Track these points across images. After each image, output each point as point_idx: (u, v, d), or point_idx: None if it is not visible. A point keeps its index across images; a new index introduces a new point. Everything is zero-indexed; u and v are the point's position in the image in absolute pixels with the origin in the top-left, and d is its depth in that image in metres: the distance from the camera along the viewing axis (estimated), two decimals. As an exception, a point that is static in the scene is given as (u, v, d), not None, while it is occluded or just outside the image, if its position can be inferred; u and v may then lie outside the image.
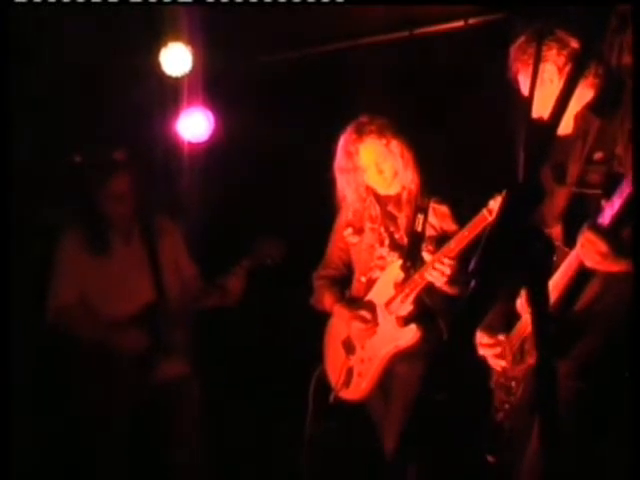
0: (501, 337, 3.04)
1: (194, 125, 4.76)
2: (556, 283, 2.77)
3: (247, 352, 4.80)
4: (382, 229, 3.88)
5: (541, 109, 2.67)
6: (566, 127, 2.84)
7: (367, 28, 4.60)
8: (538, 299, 1.57)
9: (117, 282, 3.97)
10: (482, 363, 3.14)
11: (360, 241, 3.94)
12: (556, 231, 2.83)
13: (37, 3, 3.76)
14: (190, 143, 4.80)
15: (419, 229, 3.77)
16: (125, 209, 3.99)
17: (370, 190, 3.88)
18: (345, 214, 3.98)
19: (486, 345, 3.07)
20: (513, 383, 3.03)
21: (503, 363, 3.06)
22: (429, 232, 3.76)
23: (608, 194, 2.64)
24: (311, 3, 3.87)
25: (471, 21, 4.34)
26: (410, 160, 3.78)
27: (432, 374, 3.66)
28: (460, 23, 4.37)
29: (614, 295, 2.71)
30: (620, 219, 2.55)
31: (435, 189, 3.80)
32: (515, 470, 2.94)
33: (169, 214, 4.27)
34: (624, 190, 2.50)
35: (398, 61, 4.54)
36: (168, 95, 4.71)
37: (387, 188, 3.84)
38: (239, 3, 3.86)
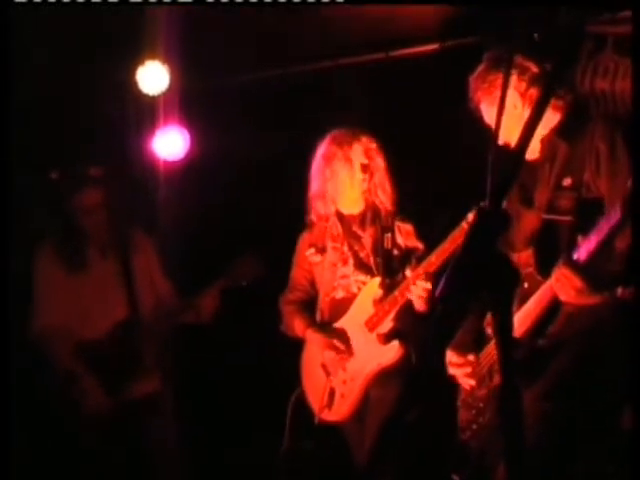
0: (470, 357, 3.06)
1: (170, 143, 4.75)
2: (529, 312, 2.79)
3: (222, 369, 4.79)
4: (345, 248, 3.87)
5: (507, 135, 2.70)
6: (533, 151, 2.86)
7: (345, 49, 4.63)
8: (503, 324, 1.58)
9: (94, 297, 3.95)
10: (450, 382, 3.16)
11: (322, 260, 3.93)
12: (526, 255, 2.84)
13: (37, 3, 3.73)
14: (166, 161, 4.80)
15: (389, 247, 3.78)
16: (97, 222, 3.97)
17: (334, 210, 3.89)
18: (308, 232, 3.99)
19: (456, 364, 3.09)
20: (481, 404, 3.04)
21: (472, 382, 3.07)
22: (395, 251, 3.79)
23: (579, 221, 2.66)
24: (311, 3, 3.85)
25: (446, 44, 4.38)
26: (387, 180, 3.80)
27: (405, 396, 3.65)
28: (435, 45, 4.41)
29: (585, 321, 2.73)
30: (596, 255, 2.56)
31: (401, 209, 3.81)
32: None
33: (145, 230, 4.26)
34: (602, 228, 2.51)
35: (374, 82, 4.57)
36: (144, 113, 4.71)
37: (354, 203, 3.84)
38: (239, 3, 3.83)
